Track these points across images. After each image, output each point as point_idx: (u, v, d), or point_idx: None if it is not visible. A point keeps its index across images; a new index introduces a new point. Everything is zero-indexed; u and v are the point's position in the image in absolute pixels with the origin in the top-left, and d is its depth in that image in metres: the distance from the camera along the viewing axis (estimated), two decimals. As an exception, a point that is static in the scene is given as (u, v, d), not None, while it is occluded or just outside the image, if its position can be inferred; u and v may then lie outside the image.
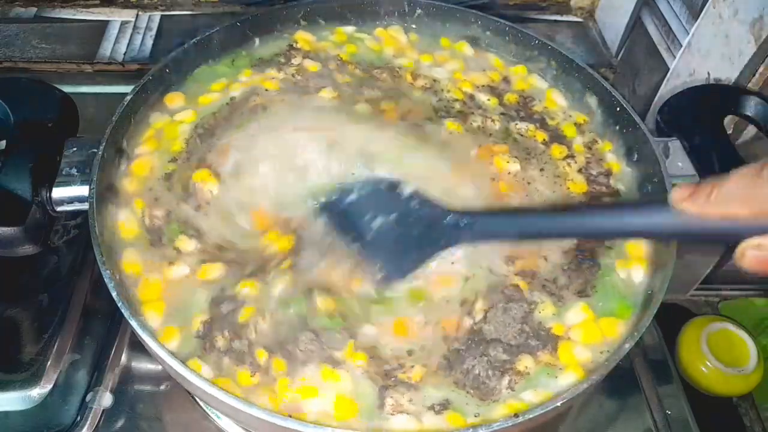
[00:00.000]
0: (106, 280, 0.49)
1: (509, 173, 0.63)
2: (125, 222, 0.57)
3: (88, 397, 0.63)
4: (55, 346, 0.65)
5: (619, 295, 0.55)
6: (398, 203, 0.55)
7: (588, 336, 0.52)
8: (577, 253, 0.57)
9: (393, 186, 0.56)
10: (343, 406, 0.48)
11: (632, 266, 0.57)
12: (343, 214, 0.56)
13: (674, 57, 0.84)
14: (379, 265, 0.54)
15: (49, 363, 0.63)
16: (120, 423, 0.63)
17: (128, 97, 0.62)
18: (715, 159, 0.61)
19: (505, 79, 0.73)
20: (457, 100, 0.69)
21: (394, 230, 0.54)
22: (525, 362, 0.51)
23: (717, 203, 0.40)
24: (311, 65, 0.71)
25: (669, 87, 0.86)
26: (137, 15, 1.04)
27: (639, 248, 0.58)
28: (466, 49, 0.75)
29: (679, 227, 0.42)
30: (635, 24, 0.95)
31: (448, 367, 0.51)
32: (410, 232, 0.54)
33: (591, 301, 0.55)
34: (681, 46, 0.83)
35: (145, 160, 0.61)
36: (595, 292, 0.55)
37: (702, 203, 0.40)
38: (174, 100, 0.66)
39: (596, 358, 0.51)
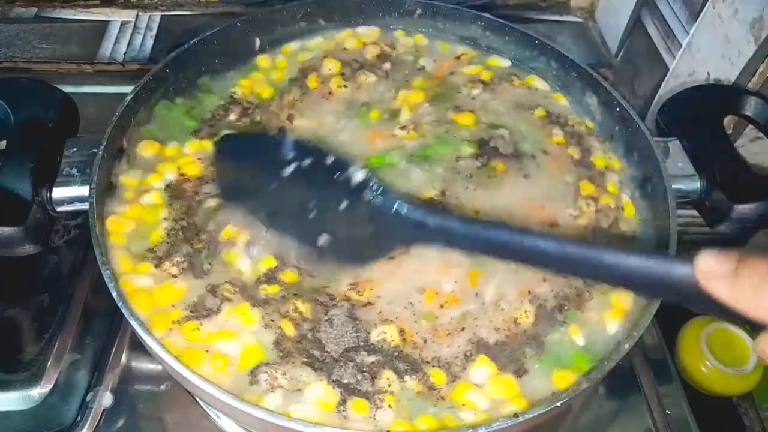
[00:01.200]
0: (106, 280, 0.49)
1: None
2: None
3: (89, 397, 0.63)
4: (56, 346, 0.65)
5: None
6: (346, 189, 0.48)
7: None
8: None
9: (341, 166, 0.49)
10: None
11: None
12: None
13: (674, 57, 0.84)
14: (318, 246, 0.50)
15: (49, 363, 0.63)
16: (120, 423, 0.63)
17: (128, 97, 0.62)
18: (715, 159, 0.61)
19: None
20: None
21: (334, 218, 0.49)
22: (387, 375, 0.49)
23: (759, 295, 0.30)
24: None
25: (669, 87, 0.86)
26: (137, 15, 1.04)
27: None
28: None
29: (697, 298, 0.34)
30: (635, 24, 0.95)
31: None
32: (356, 222, 0.49)
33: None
34: (681, 46, 0.83)
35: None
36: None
37: (740, 291, 0.31)
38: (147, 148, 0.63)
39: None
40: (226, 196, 0.56)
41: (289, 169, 0.50)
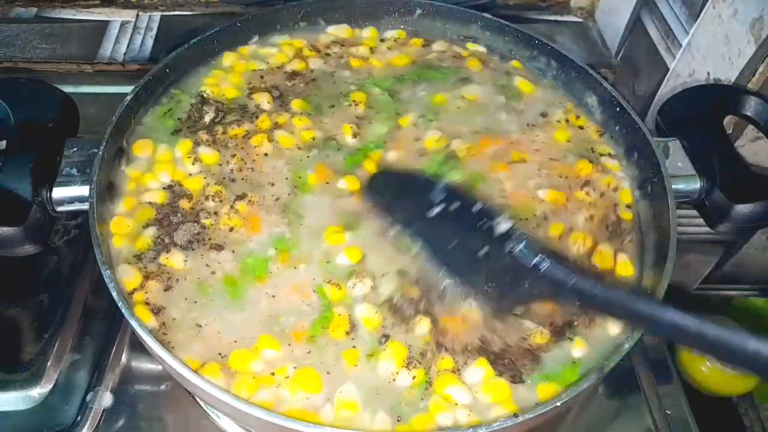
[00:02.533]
0: (106, 280, 0.50)
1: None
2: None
3: (89, 397, 0.63)
4: (56, 346, 0.65)
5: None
6: (488, 238, 0.49)
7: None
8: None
9: (487, 215, 0.50)
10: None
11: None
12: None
13: (674, 57, 0.84)
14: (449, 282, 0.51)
15: (49, 363, 0.63)
16: (120, 423, 0.63)
17: (128, 97, 0.62)
18: (715, 159, 0.61)
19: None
20: None
21: (474, 262, 0.49)
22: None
23: None
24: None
25: (669, 87, 0.86)
26: (137, 15, 1.04)
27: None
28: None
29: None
30: (635, 24, 0.95)
31: None
32: (494, 270, 0.49)
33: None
34: (681, 46, 0.83)
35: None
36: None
37: None
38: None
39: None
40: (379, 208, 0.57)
41: (436, 210, 0.52)
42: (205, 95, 0.67)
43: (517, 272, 0.48)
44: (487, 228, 0.49)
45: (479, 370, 0.50)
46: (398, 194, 0.57)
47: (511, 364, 0.51)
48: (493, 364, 0.51)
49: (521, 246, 0.48)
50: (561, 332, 0.53)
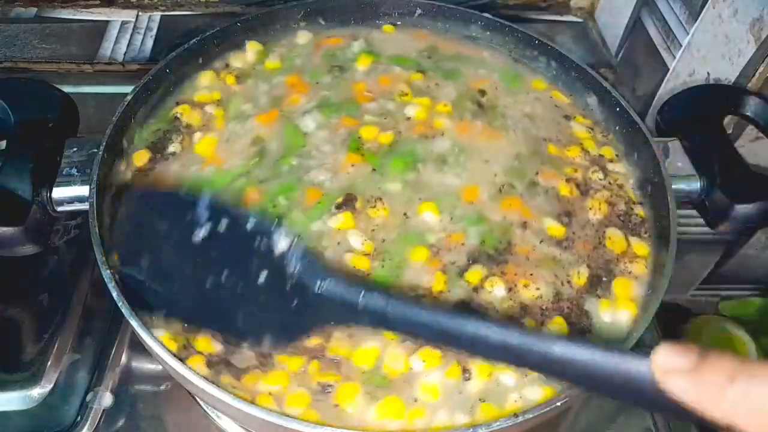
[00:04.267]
0: (106, 280, 0.49)
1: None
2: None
3: (89, 397, 0.63)
4: (56, 346, 0.65)
5: None
6: (267, 258, 0.43)
7: None
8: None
9: (263, 232, 0.43)
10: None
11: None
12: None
13: (674, 57, 0.84)
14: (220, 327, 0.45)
15: (49, 363, 0.63)
16: (120, 423, 0.63)
17: (128, 97, 0.62)
18: (715, 159, 0.61)
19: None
20: None
21: (252, 292, 0.43)
22: None
23: (724, 395, 0.26)
24: None
25: (669, 87, 0.86)
26: (137, 15, 1.04)
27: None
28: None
29: (652, 397, 0.30)
30: (635, 24, 0.95)
31: None
32: (276, 298, 0.43)
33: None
34: (681, 46, 0.83)
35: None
36: None
37: (702, 390, 0.27)
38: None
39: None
40: (125, 261, 0.48)
41: (201, 233, 0.44)
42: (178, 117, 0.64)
43: (303, 296, 0.43)
44: (265, 248, 0.43)
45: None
46: (155, 217, 0.48)
47: None
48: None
49: (301, 264, 0.42)
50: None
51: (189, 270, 0.45)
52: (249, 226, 0.44)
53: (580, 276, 0.56)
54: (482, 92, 0.70)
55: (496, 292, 0.53)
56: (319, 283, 0.42)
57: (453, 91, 0.69)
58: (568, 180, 0.62)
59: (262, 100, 0.67)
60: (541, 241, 0.57)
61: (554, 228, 0.59)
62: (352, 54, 0.72)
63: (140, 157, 0.61)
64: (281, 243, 0.43)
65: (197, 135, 0.63)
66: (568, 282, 0.56)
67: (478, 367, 0.49)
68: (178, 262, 0.45)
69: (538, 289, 0.54)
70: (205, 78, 0.68)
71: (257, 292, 0.43)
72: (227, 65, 0.70)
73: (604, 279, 0.56)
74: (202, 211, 0.44)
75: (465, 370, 0.50)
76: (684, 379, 0.27)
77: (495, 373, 0.49)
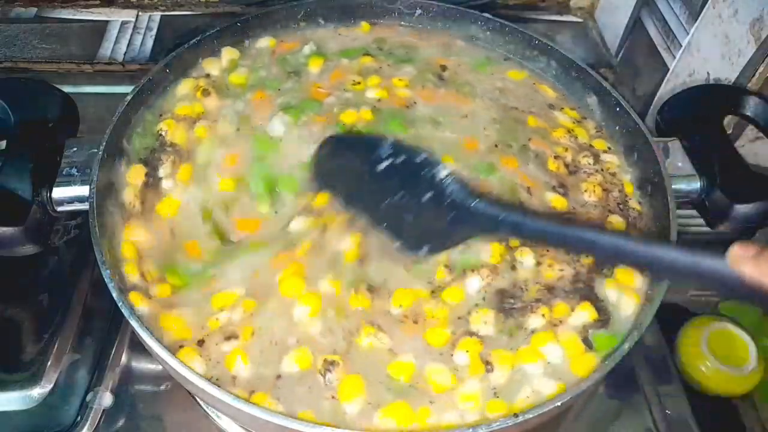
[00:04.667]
0: (106, 280, 0.49)
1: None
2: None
3: (89, 397, 0.63)
4: (56, 346, 0.65)
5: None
6: (431, 183, 0.54)
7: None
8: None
9: (429, 164, 0.55)
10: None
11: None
12: (362, 168, 0.57)
13: (674, 57, 0.84)
14: (394, 235, 0.55)
15: (49, 363, 0.63)
16: (120, 423, 0.63)
17: (128, 97, 0.62)
18: (715, 159, 0.61)
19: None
20: None
21: (418, 208, 0.54)
22: None
23: None
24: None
25: (669, 87, 0.86)
26: (137, 15, 1.04)
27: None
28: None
29: (730, 283, 0.41)
30: (635, 24, 0.95)
31: None
32: (436, 213, 0.54)
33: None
34: (681, 46, 0.83)
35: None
36: None
37: (762, 270, 0.39)
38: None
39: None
40: (322, 186, 0.60)
41: (383, 165, 0.56)
42: (162, 134, 0.63)
43: (457, 213, 0.53)
44: (430, 176, 0.54)
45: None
46: (347, 157, 0.60)
47: None
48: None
49: (457, 187, 0.53)
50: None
51: (372, 192, 0.57)
52: (418, 160, 0.55)
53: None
54: (443, 67, 0.72)
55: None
56: (470, 202, 0.52)
57: (411, 69, 0.72)
58: (556, 157, 0.64)
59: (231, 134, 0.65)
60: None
61: (555, 200, 0.60)
62: (304, 58, 0.72)
63: (135, 174, 0.59)
64: (442, 172, 0.53)
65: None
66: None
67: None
68: (364, 186, 0.57)
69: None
70: (184, 87, 0.67)
71: (422, 208, 0.54)
72: (207, 75, 0.69)
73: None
74: (384, 150, 0.56)
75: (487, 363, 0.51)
76: (749, 263, 0.39)
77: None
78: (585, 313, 0.53)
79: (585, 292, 0.55)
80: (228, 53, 0.71)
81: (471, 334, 0.52)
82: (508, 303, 0.54)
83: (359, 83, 0.69)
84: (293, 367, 0.50)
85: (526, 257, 0.56)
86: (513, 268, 0.56)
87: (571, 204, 0.61)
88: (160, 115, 0.64)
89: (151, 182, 0.59)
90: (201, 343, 0.51)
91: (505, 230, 0.52)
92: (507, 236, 0.56)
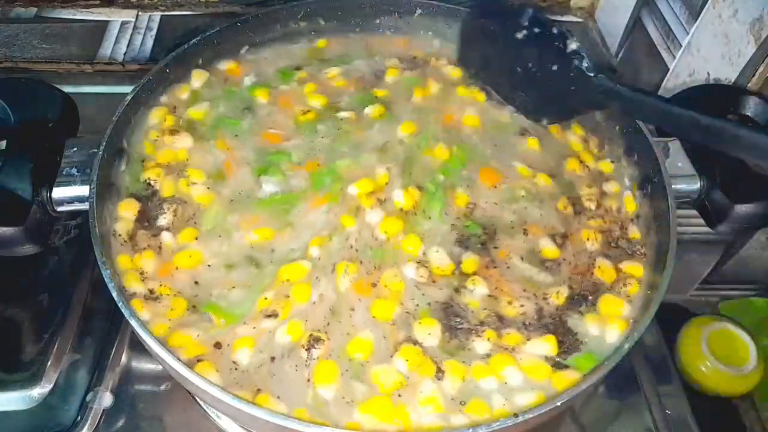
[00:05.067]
0: (106, 280, 0.49)
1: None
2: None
3: (89, 397, 0.63)
4: (56, 346, 0.65)
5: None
6: (561, 54, 0.60)
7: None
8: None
9: (562, 36, 0.60)
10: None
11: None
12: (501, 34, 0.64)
13: (674, 57, 0.84)
14: (520, 100, 0.66)
15: (49, 363, 0.63)
16: (120, 423, 0.63)
17: (128, 97, 0.62)
18: (715, 159, 0.61)
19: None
20: None
21: (548, 77, 0.61)
22: None
23: None
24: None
25: (669, 87, 0.86)
26: (137, 15, 1.04)
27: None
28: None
29: None
30: (635, 24, 0.95)
31: None
32: (561, 83, 0.60)
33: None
34: (681, 46, 0.83)
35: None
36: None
37: None
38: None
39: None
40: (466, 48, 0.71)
41: (522, 33, 0.63)
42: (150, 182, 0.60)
43: (580, 82, 0.59)
44: (561, 47, 0.60)
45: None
46: (489, 23, 0.68)
47: None
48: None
49: (585, 61, 0.59)
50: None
51: (508, 59, 0.65)
52: (554, 31, 0.61)
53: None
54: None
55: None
56: (592, 74, 0.59)
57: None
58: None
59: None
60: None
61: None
62: (248, 90, 0.70)
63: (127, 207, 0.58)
64: (572, 45, 0.60)
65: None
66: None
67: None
68: (500, 53, 0.66)
69: None
70: (154, 117, 0.65)
71: (551, 77, 0.62)
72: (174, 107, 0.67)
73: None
74: (524, 18, 0.63)
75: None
76: None
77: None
78: (546, 346, 0.52)
79: (554, 326, 0.54)
80: (197, 76, 0.69)
81: (414, 342, 0.52)
82: (454, 321, 0.53)
83: (308, 112, 0.67)
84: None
85: (478, 286, 0.55)
86: (457, 290, 0.55)
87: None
88: (143, 161, 0.62)
89: (147, 226, 0.58)
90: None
91: (618, 102, 0.58)
92: (622, 112, 0.62)
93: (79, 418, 0.62)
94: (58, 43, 0.99)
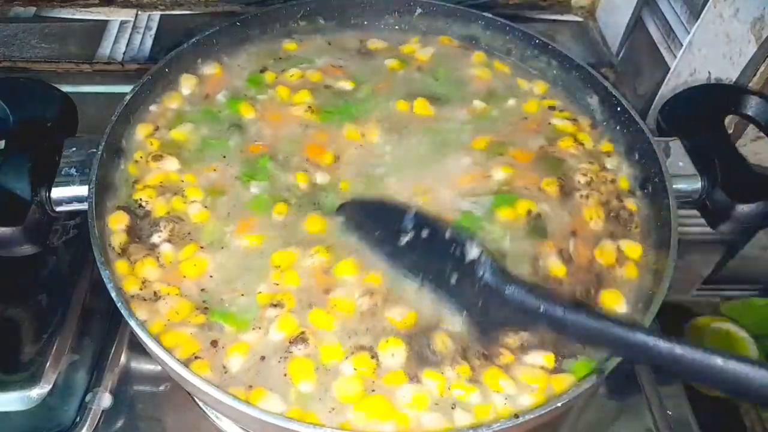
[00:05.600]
0: (106, 281, 0.49)
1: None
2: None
3: (88, 398, 0.63)
4: (55, 347, 0.64)
5: None
6: (459, 264, 0.49)
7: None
8: None
9: (458, 241, 0.49)
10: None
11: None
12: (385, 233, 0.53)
13: (675, 56, 0.84)
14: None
15: (48, 363, 0.63)
16: (119, 423, 0.62)
17: (128, 97, 0.62)
18: (716, 159, 0.61)
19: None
20: None
21: (447, 290, 0.50)
22: None
23: None
24: None
25: (670, 86, 0.86)
26: (137, 15, 1.04)
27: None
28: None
29: None
30: (636, 23, 0.95)
31: None
32: (466, 298, 0.49)
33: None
34: (682, 45, 0.83)
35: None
36: None
37: None
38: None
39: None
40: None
41: (406, 239, 0.52)
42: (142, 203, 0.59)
43: (488, 299, 0.48)
44: (459, 254, 0.49)
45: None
46: (367, 224, 0.56)
47: None
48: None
49: (489, 272, 0.48)
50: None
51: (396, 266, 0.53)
52: (446, 235, 0.50)
53: None
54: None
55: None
56: (503, 288, 0.47)
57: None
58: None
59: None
60: None
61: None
62: (227, 103, 0.67)
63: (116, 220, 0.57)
64: (472, 251, 0.49)
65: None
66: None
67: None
68: (384, 260, 0.54)
69: None
70: (141, 131, 0.63)
71: (450, 291, 0.50)
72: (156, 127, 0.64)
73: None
74: (407, 221, 0.52)
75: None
76: None
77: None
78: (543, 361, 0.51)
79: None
80: (186, 81, 0.68)
81: (373, 355, 0.50)
82: (426, 350, 0.50)
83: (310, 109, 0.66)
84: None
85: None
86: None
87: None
88: (135, 182, 0.60)
89: (139, 241, 0.56)
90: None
91: (545, 325, 0.46)
92: (546, 332, 0.49)
93: (78, 418, 0.62)
94: (57, 42, 0.99)
